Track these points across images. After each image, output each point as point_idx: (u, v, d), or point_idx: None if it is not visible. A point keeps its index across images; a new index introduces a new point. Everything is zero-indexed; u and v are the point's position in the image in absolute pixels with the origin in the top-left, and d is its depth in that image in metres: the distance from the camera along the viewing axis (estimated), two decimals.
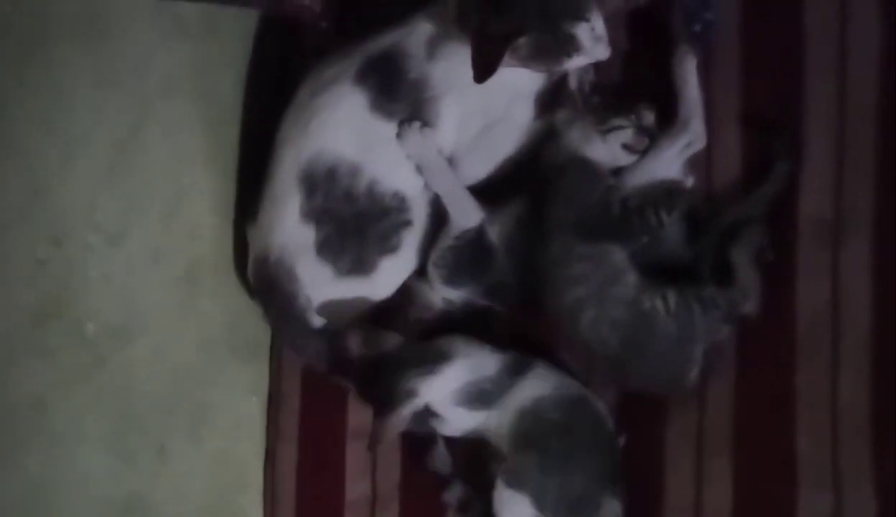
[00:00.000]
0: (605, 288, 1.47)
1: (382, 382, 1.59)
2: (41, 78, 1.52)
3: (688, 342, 1.45)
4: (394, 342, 1.63)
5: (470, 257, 1.60)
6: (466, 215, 1.59)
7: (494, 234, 1.60)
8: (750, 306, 1.45)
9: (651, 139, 1.51)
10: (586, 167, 1.52)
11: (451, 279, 1.62)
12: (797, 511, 1.45)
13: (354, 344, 1.64)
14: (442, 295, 1.65)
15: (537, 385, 1.56)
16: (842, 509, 1.43)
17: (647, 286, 1.47)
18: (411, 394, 1.56)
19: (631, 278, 1.47)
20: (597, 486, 1.51)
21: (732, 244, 1.46)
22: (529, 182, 1.58)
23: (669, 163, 1.51)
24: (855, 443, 1.43)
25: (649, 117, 1.51)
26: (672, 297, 1.45)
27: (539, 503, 1.50)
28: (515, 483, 1.51)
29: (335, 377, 1.70)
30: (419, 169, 1.58)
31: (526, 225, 1.57)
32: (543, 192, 1.54)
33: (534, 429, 1.53)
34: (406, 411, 1.56)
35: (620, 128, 1.51)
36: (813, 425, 1.45)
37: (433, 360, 1.58)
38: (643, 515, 1.55)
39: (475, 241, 1.59)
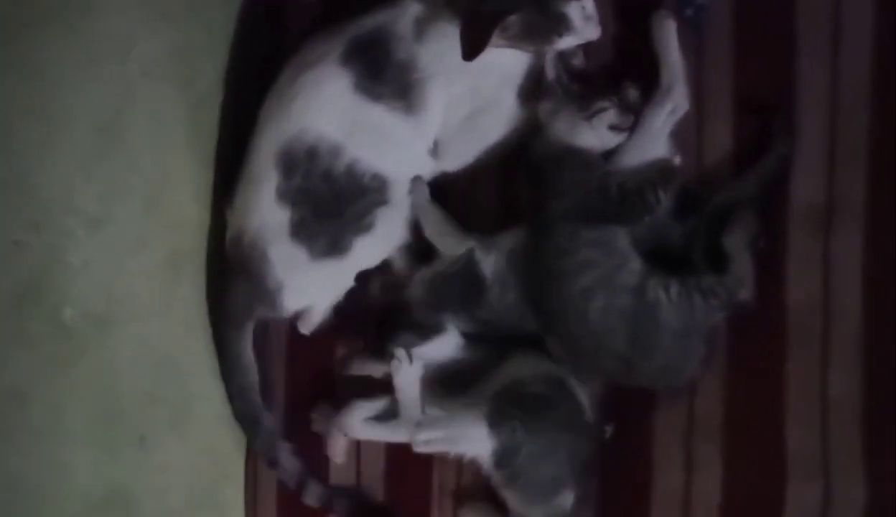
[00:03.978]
0: (612, 274, 1.46)
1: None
2: (23, 60, 1.51)
3: (689, 333, 1.44)
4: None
5: (459, 285, 1.59)
6: (453, 247, 1.60)
7: (489, 267, 1.58)
8: (745, 293, 1.44)
9: (635, 115, 1.50)
10: (579, 156, 1.51)
11: (436, 303, 1.61)
12: (786, 500, 1.46)
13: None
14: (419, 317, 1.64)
15: (521, 364, 1.55)
16: (831, 498, 1.44)
17: (650, 273, 1.45)
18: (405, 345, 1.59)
19: (635, 265, 1.46)
20: (563, 473, 1.50)
21: (726, 230, 1.45)
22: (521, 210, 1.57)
23: (657, 134, 1.50)
24: (845, 432, 1.44)
25: (633, 94, 1.50)
26: (674, 288, 1.44)
27: None
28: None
29: None
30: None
31: (518, 258, 1.55)
32: (538, 188, 1.52)
33: (515, 401, 1.51)
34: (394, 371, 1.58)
35: (603, 109, 1.50)
36: (803, 414, 1.45)
37: (428, 329, 1.60)
38: (632, 502, 1.55)
39: (465, 270, 1.58)
